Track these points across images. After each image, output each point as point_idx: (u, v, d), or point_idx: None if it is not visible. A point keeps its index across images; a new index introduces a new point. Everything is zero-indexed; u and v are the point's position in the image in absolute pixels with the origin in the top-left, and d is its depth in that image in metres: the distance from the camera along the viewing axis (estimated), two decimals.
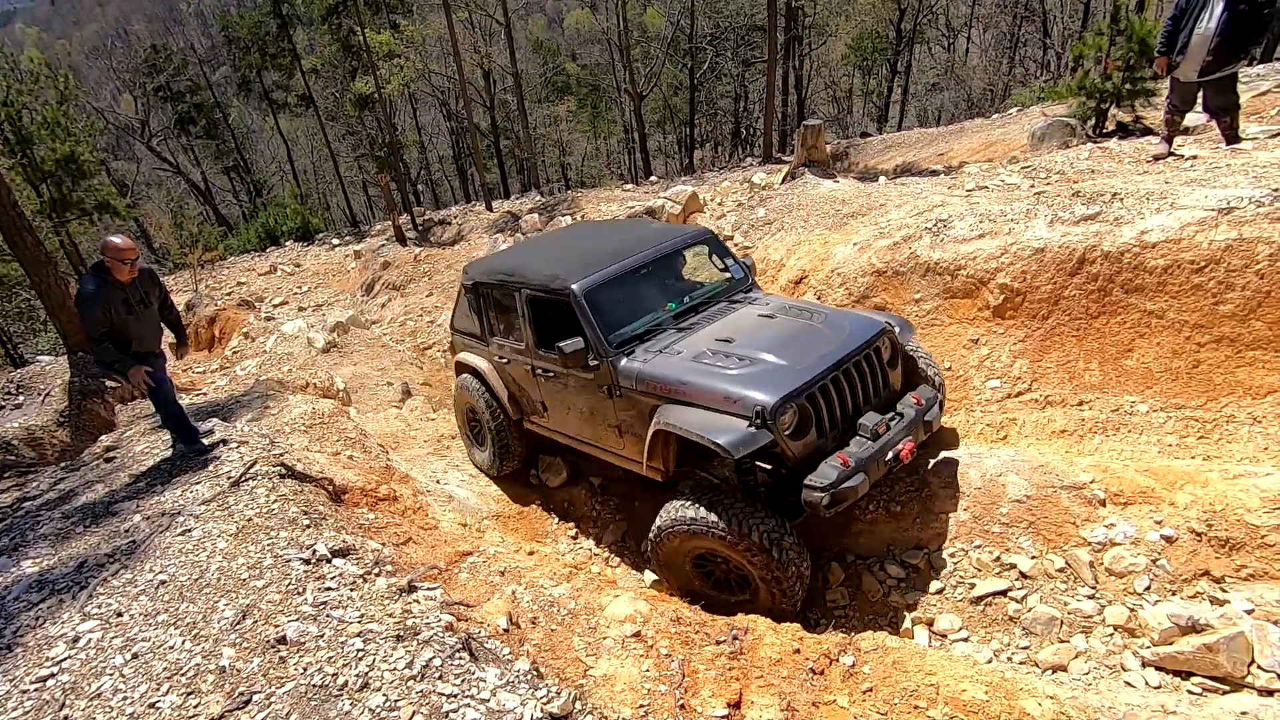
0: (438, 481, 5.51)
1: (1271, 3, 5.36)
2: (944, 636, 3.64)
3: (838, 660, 2.95)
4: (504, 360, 5.15)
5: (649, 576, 4.56)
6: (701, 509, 3.59)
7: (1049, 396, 4.76)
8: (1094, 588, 3.55)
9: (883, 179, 8.12)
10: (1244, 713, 2.73)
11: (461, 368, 5.69)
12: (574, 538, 5.25)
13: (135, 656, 2.68)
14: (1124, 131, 7.44)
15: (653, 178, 18.72)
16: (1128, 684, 3.15)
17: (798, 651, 3.03)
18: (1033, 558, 3.78)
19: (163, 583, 3.10)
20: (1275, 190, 4.42)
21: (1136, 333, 4.66)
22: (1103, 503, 3.81)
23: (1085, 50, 7.49)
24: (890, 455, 3.69)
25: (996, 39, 24.10)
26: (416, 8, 23.00)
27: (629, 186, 17.11)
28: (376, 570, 3.02)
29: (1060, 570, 3.67)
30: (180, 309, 13.65)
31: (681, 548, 3.75)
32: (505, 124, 24.55)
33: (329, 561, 3.02)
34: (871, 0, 22.56)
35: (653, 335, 4.30)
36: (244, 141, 31.78)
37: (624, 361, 4.14)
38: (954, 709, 2.53)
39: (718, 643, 2.93)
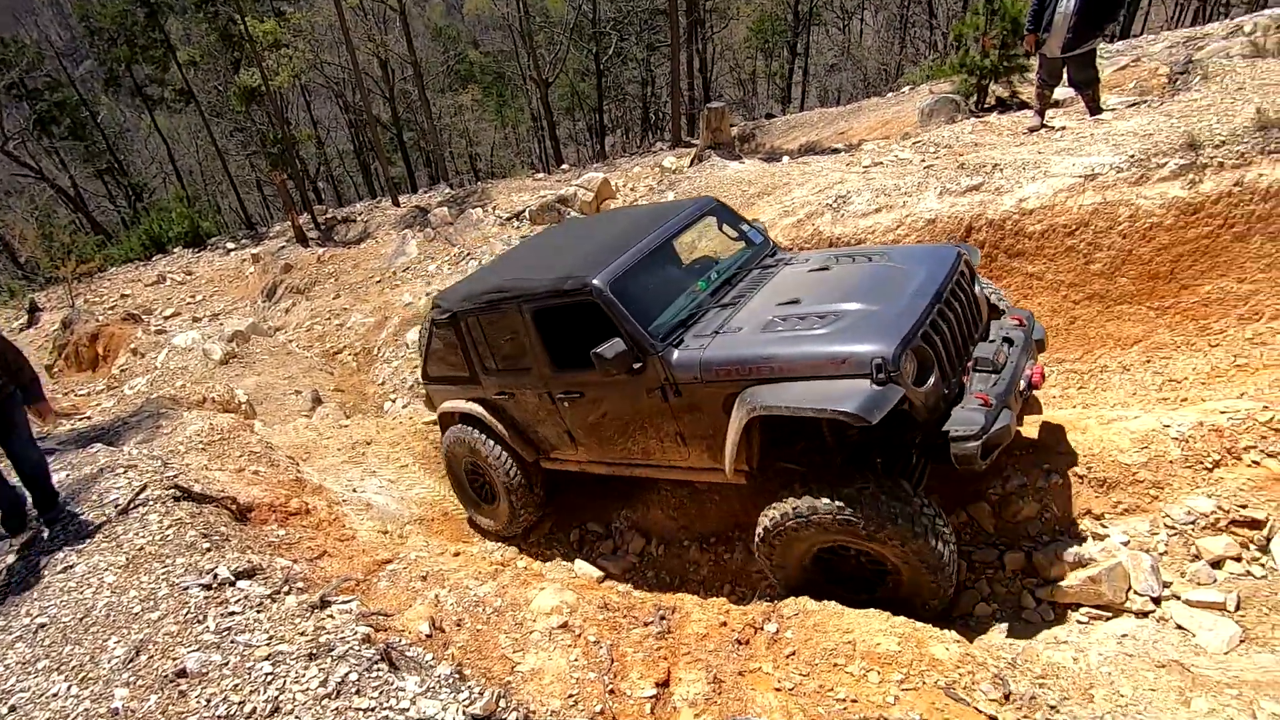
0: (354, 490, 5.30)
1: None
2: None
3: (762, 629, 3.03)
4: (506, 396, 4.36)
5: (580, 566, 4.56)
6: (824, 498, 3.02)
7: None
8: (994, 536, 3.80)
9: (786, 159, 8.33)
10: (1124, 635, 3.00)
11: (449, 419, 4.89)
12: None
13: (13, 710, 2.45)
14: (1003, 105, 7.91)
15: (564, 166, 18.52)
16: (1027, 622, 3.40)
17: (724, 625, 3.10)
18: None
19: (42, 626, 2.85)
20: (1132, 157, 4.80)
21: (1020, 294, 4.98)
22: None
23: (964, 30, 7.91)
24: (1024, 384, 3.33)
25: (888, 20, 25.10)
26: None
27: (541, 175, 16.85)
28: (286, 588, 2.87)
29: (964, 524, 3.91)
30: (56, 327, 12.51)
31: (798, 546, 3.21)
32: (408, 115, 23.66)
33: (233, 585, 2.85)
34: None
35: (696, 319, 3.68)
36: (117, 142, 29.27)
37: (677, 354, 3.49)
38: (870, 662, 2.65)
39: (646, 624, 2.96)
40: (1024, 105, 7.79)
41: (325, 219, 16.24)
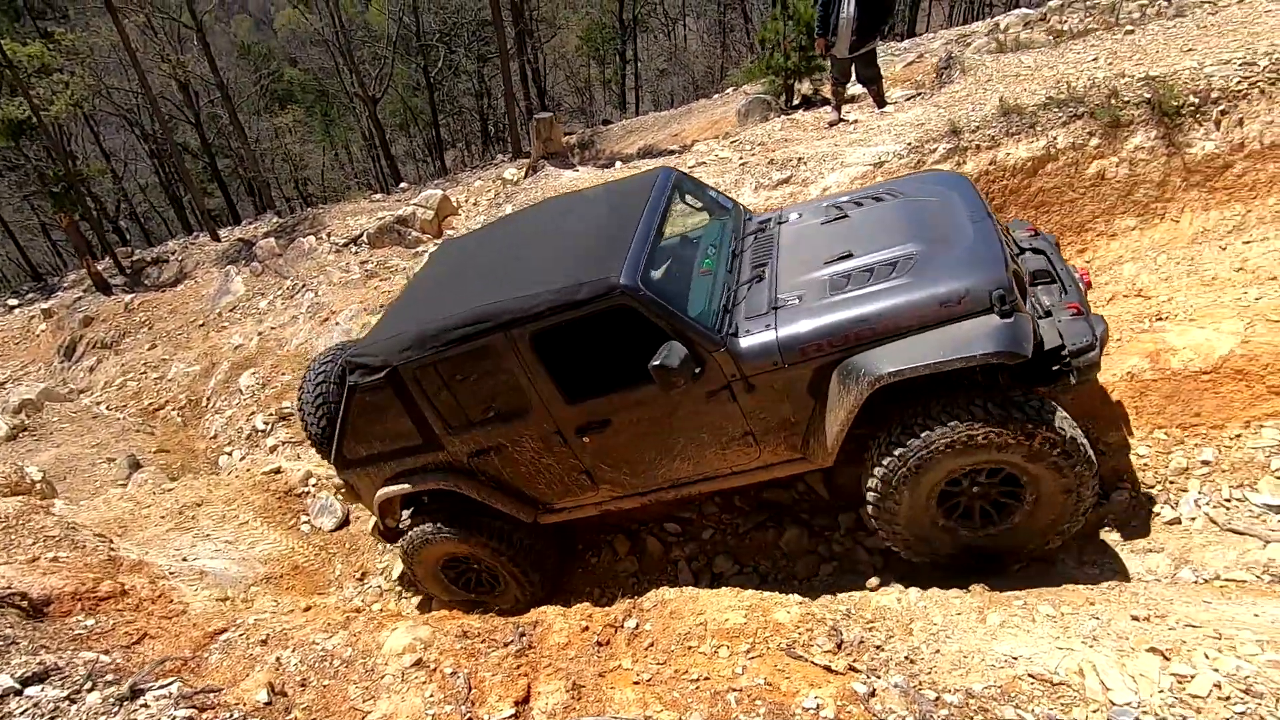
0: (185, 559, 4.80)
1: None
2: (721, 575, 4.00)
3: (623, 626, 3.10)
4: (487, 453, 3.60)
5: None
6: (966, 419, 2.77)
7: None
8: (830, 501, 4.13)
9: (619, 163, 8.55)
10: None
11: (390, 508, 4.00)
12: (361, 578, 4.90)
13: None
14: (808, 103, 8.59)
15: (403, 184, 17.82)
16: (862, 574, 3.72)
17: (586, 629, 3.13)
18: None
19: None
20: (910, 144, 5.39)
21: None
22: None
23: (767, 35, 8.50)
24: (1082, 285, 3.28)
25: (709, 25, 26.40)
26: (74, 12, 19.34)
27: (378, 196, 16.10)
28: (89, 685, 2.56)
29: (804, 494, 4.21)
30: None
31: (926, 482, 2.96)
32: (220, 141, 21.71)
33: (19, 694, 2.50)
34: None
35: (733, 302, 3.28)
36: None
37: (744, 343, 3.08)
38: (720, 639, 2.79)
39: (505, 645, 2.93)
40: (826, 101, 8.50)
41: (131, 262, 14.56)
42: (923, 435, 2.87)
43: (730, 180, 6.02)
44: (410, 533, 3.97)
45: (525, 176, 8.62)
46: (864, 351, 2.92)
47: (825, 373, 3.02)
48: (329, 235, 12.31)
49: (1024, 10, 13.38)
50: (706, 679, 2.62)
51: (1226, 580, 3.07)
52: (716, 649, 2.77)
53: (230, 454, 7.14)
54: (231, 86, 20.41)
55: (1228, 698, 1.99)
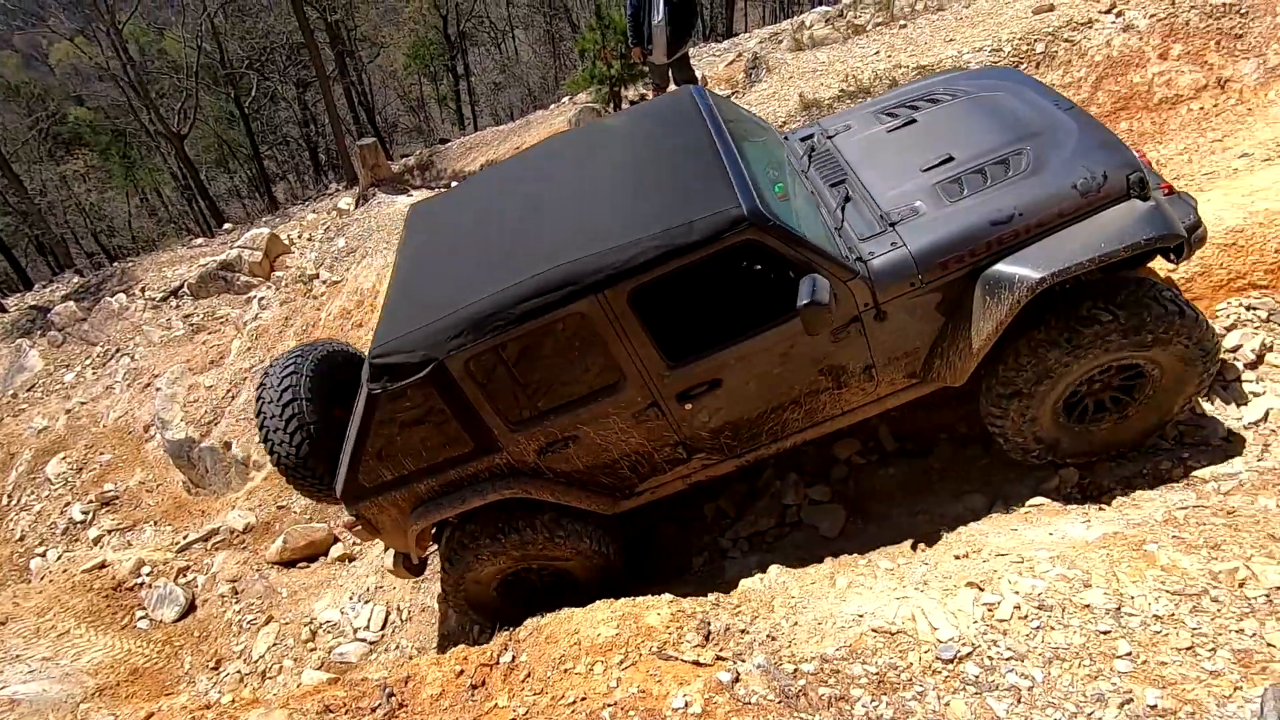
0: None
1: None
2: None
3: (498, 663, 3.02)
4: (562, 443, 3.11)
5: (310, 675, 4.09)
6: (1102, 314, 2.69)
7: None
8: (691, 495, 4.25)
9: (455, 184, 8.35)
10: (795, 545, 3.57)
11: (424, 538, 3.51)
12: (215, 667, 4.46)
13: None
14: None
15: (227, 225, 16.37)
16: (730, 559, 3.87)
17: (461, 674, 3.02)
18: None
19: None
20: None
21: None
22: None
23: (585, 46, 8.62)
24: None
25: (539, 35, 26.41)
26: None
27: (199, 241, 14.69)
28: None
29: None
30: None
31: (1059, 386, 2.88)
32: None
33: None
34: (413, 9, 22.74)
35: (837, 224, 3.00)
36: None
37: (879, 263, 2.81)
38: (594, 655, 2.79)
39: (372, 711, 2.77)
40: None
41: None
42: (1072, 338, 2.76)
43: None
44: (456, 557, 3.41)
45: (357, 207, 8.21)
46: (1007, 256, 2.75)
47: (960, 287, 2.83)
48: (143, 290, 11.08)
49: (824, 8, 14.53)
50: (583, 699, 2.61)
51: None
52: (591, 666, 2.77)
53: (43, 555, 6.25)
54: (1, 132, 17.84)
55: (1025, 616, 2.26)
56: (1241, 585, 2.08)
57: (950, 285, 2.84)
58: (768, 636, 2.75)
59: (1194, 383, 2.94)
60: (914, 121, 3.41)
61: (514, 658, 3.03)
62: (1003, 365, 2.92)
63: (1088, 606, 2.20)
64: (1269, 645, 1.87)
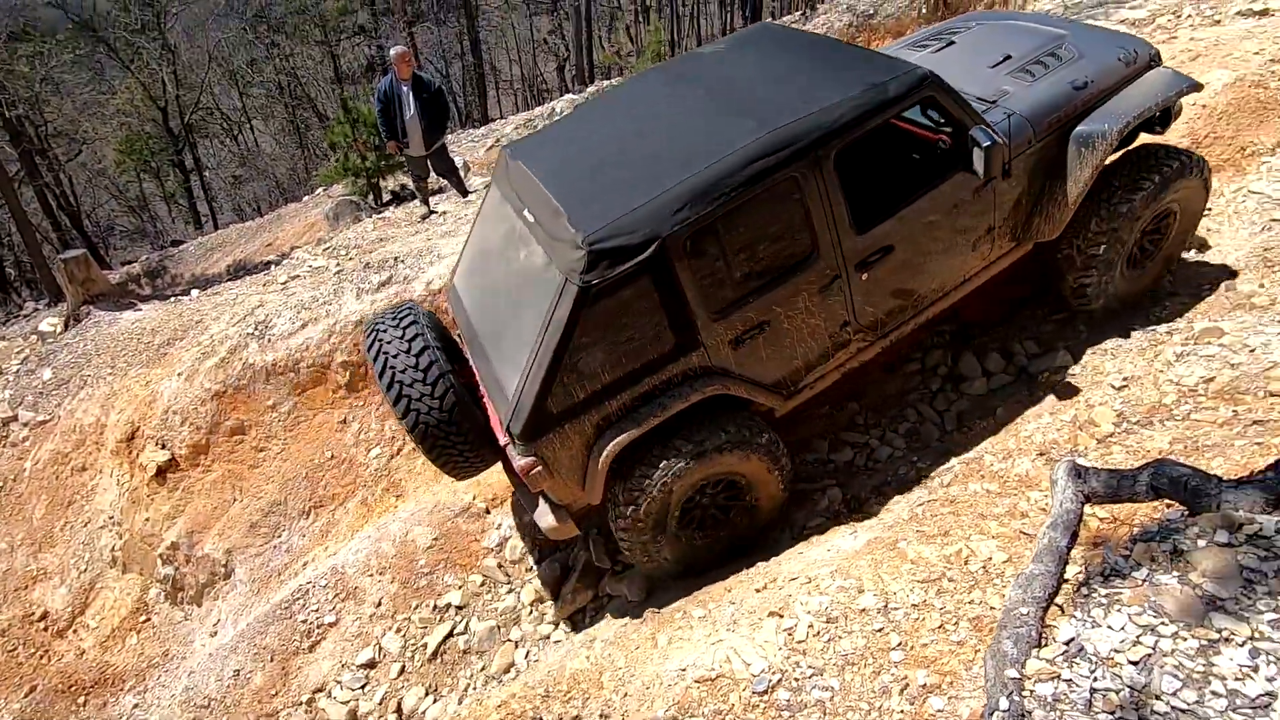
0: None
1: (440, 93, 6.93)
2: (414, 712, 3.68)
3: None
4: (754, 331, 3.04)
5: None
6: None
7: None
8: (508, 582, 4.13)
9: (196, 292, 7.46)
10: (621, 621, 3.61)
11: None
12: None
13: None
14: (398, 199, 8.69)
15: None
16: (556, 642, 3.79)
17: None
18: (459, 588, 4.14)
19: None
20: None
21: None
22: (487, 510, 4.44)
23: (335, 139, 8.37)
24: None
25: (282, 125, 24.98)
26: None
27: None
28: None
29: (481, 585, 4.14)
30: None
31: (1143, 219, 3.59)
32: None
33: None
34: (121, 100, 20.32)
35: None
36: None
37: (1009, 121, 3.23)
38: None
39: None
40: (415, 196, 8.71)
41: None
42: (1154, 192, 3.43)
43: (329, 292, 5.72)
44: (647, 483, 3.09)
45: (66, 329, 6.96)
46: (1088, 117, 3.34)
47: (1055, 148, 3.34)
48: None
49: (571, 95, 15.71)
50: None
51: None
52: None
53: None
54: None
55: (819, 633, 2.51)
56: (966, 562, 2.53)
57: (1049, 146, 3.37)
58: (600, 716, 2.72)
59: (1202, 207, 3.80)
60: (953, 44, 4.01)
61: None
62: (1095, 219, 3.52)
63: (864, 611, 2.52)
64: (991, 607, 2.29)
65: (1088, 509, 2.15)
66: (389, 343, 3.20)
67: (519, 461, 2.98)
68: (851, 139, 2.94)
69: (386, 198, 8.75)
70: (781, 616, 2.75)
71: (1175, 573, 1.52)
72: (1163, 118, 3.57)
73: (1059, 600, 1.73)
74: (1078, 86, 3.39)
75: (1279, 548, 1.46)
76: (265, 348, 5.39)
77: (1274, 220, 4.09)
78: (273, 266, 8.36)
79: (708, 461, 3.12)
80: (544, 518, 3.23)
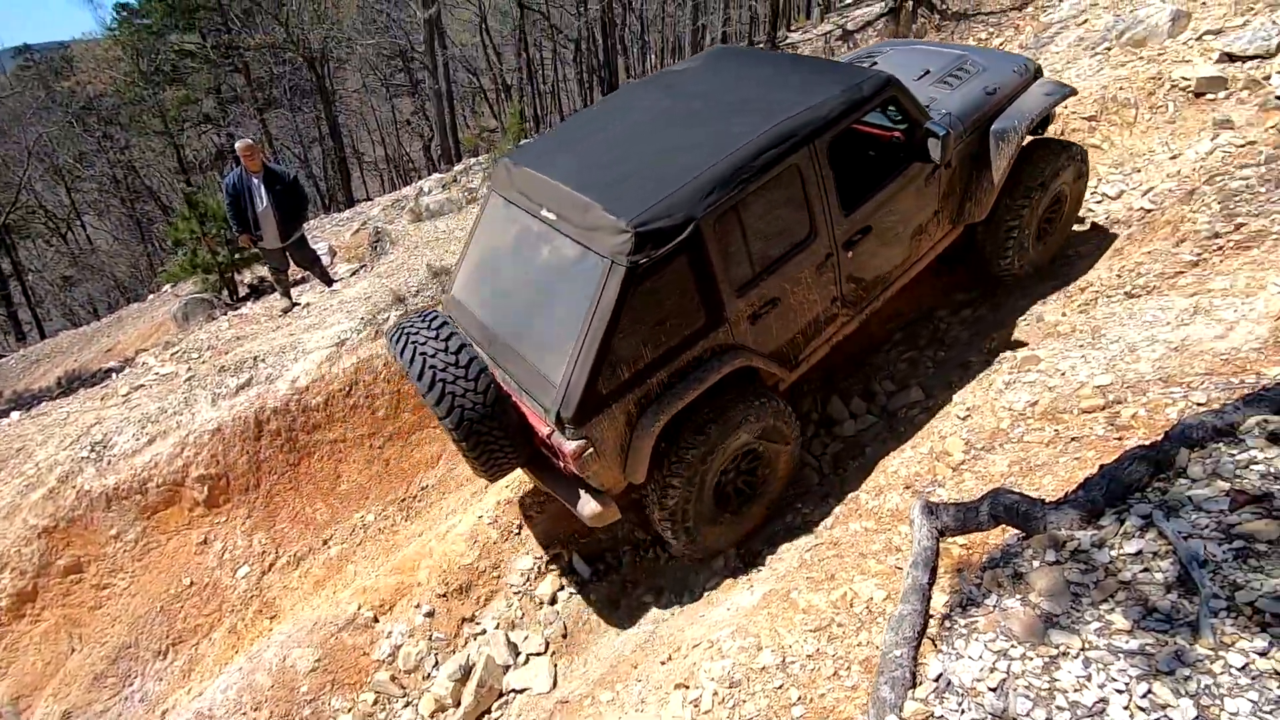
0: None
1: (295, 183, 6.72)
2: None
3: None
4: (767, 308, 3.42)
5: None
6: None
7: (298, 553, 4.85)
8: (404, 695, 3.83)
9: (17, 414, 6.61)
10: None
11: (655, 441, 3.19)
12: None
13: None
14: (257, 293, 8.22)
15: None
16: None
17: None
18: (349, 710, 3.79)
19: None
20: (363, 318, 5.62)
21: (335, 461, 5.20)
22: (375, 619, 4.13)
23: (180, 235, 7.86)
24: None
25: (120, 222, 23.11)
26: None
27: None
28: None
29: (374, 703, 3.81)
30: None
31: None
32: None
33: None
34: None
35: None
36: None
37: (940, 119, 3.82)
38: None
39: None
40: (275, 289, 8.27)
41: None
42: (1051, 175, 4.17)
43: (179, 401, 5.26)
44: (693, 454, 3.30)
45: None
46: (1000, 116, 4.00)
47: (978, 143, 3.96)
48: None
49: (439, 175, 15.69)
50: None
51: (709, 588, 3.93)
52: None
53: None
54: None
55: (723, 699, 2.51)
56: (851, 605, 2.64)
57: (973, 141, 3.98)
58: None
59: (1085, 189, 4.58)
60: (876, 64, 4.51)
61: None
62: (1010, 203, 4.18)
63: (764, 669, 2.55)
64: (876, 647, 2.40)
65: (950, 541, 2.32)
66: (424, 343, 3.24)
67: (569, 446, 3.05)
68: (839, 131, 3.39)
69: (244, 292, 8.24)
70: (687, 687, 2.73)
71: (1018, 595, 1.67)
72: (1044, 121, 4.44)
73: (931, 634, 1.84)
74: (989, 92, 4.07)
75: (1096, 560, 1.65)
76: (104, 470, 4.83)
77: (1072, 256, 4.74)
78: (113, 376, 7.58)
79: (744, 430, 3.40)
80: (587, 506, 3.30)
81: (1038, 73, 4.38)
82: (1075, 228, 4.85)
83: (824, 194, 3.40)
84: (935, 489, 3.20)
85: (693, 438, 3.29)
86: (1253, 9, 5.70)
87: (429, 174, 20.45)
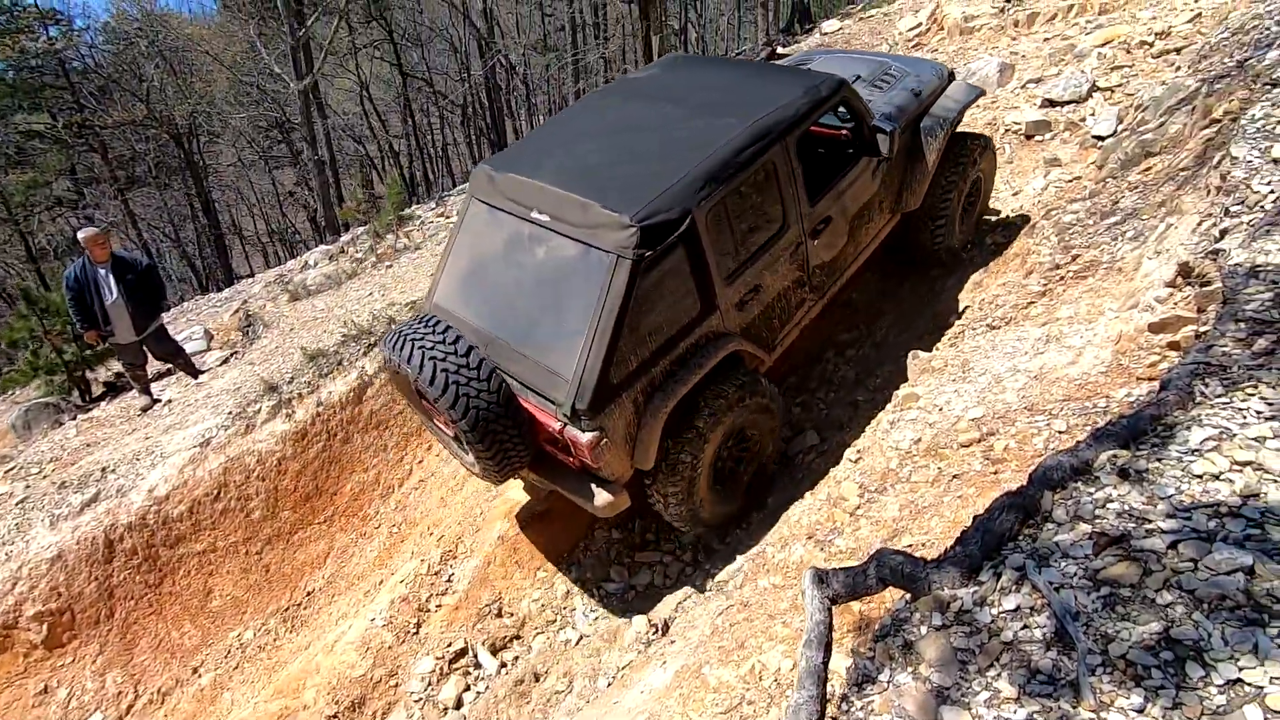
0: None
1: (149, 271, 6.19)
2: None
3: None
4: (751, 295, 3.67)
5: None
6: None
7: (162, 687, 4.27)
8: None
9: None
10: None
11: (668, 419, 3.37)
12: None
13: None
14: (115, 390, 7.45)
15: None
16: None
17: None
18: None
19: None
20: (231, 413, 5.16)
21: (205, 575, 4.67)
22: None
23: (17, 335, 7.06)
24: None
25: None
26: None
27: None
28: None
29: None
30: None
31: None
32: None
33: None
34: None
35: None
36: None
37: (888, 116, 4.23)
38: None
39: None
40: (131, 386, 7.53)
41: None
42: (970, 163, 4.65)
43: (10, 528, 4.60)
44: (694, 435, 3.50)
45: None
46: (927, 115, 4.42)
47: (910, 138, 4.33)
48: None
49: (325, 246, 15.03)
50: None
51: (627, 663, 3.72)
52: None
53: None
54: None
55: None
56: (760, 678, 2.53)
57: (907, 138, 4.34)
58: None
59: (995, 174, 5.14)
60: (810, 68, 4.56)
61: None
62: (939, 189, 4.60)
63: None
64: None
65: (851, 606, 2.27)
66: (432, 347, 3.19)
67: (585, 437, 3.12)
68: (805, 129, 3.70)
69: (99, 391, 7.43)
70: None
71: (910, 669, 1.61)
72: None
73: (832, 716, 1.75)
74: (916, 93, 4.48)
75: (979, 620, 1.62)
76: None
77: (940, 290, 5.00)
78: None
79: (739, 411, 3.63)
80: (600, 497, 3.36)
81: (951, 76, 4.86)
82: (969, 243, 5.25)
83: (795, 188, 3.71)
84: (834, 538, 3.18)
85: (699, 417, 3.50)
86: (1064, 59, 6.38)
87: (316, 245, 19.62)
